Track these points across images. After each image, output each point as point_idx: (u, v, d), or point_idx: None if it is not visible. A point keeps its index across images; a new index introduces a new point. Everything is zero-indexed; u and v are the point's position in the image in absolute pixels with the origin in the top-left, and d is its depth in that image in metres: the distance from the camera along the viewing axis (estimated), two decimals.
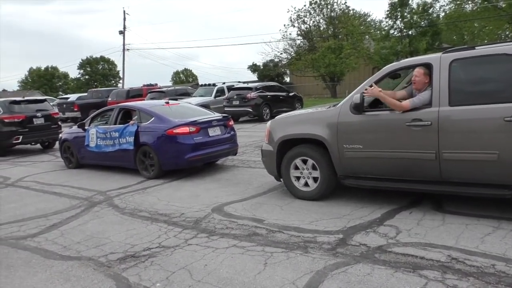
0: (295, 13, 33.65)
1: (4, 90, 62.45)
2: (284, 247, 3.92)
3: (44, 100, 12.82)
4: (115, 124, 8.20)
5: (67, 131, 9.64)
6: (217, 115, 8.27)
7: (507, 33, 30.37)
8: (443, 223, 4.15)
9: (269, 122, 6.05)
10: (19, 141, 11.52)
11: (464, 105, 4.18)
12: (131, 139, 7.61)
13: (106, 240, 4.44)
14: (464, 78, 4.34)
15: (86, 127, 8.67)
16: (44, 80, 68.53)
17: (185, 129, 7.28)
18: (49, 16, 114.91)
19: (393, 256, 3.51)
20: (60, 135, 9.57)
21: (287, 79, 43.13)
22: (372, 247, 3.73)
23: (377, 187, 4.92)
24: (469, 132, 4.13)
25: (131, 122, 7.89)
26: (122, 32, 39.78)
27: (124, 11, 40.23)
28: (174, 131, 7.24)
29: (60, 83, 71.84)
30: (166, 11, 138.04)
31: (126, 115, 8.42)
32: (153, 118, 7.65)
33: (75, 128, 9.13)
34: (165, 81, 77.60)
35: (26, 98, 12.74)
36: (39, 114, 11.96)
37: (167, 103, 8.42)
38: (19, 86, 69.55)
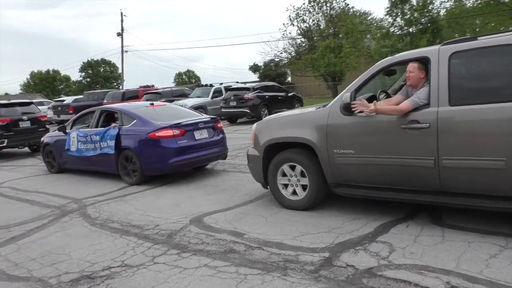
0: (294, 11, 33.11)
1: (6, 94, 62.33)
2: (261, 268, 3.44)
3: (31, 103, 12.41)
4: (96, 127, 7.75)
5: (49, 134, 9.22)
6: (204, 117, 7.80)
7: (511, 29, 29.64)
8: (442, 240, 3.65)
9: (255, 124, 5.57)
10: (4, 144, 11.14)
11: (466, 105, 3.68)
12: (112, 142, 7.16)
13: (65, 257, 3.98)
14: (466, 73, 3.85)
15: (67, 131, 8.23)
16: (45, 83, 68.33)
17: (169, 132, 6.82)
18: (51, 20, 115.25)
19: (383, 281, 3.01)
20: (42, 138, 9.13)
21: (289, 79, 42.63)
22: (360, 270, 3.23)
23: (370, 197, 4.41)
24: (472, 135, 3.63)
25: (113, 125, 7.43)
26: (120, 34, 39.32)
27: (121, 13, 39.56)
28: (157, 134, 6.77)
29: (61, 86, 71.62)
30: (169, 13, 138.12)
31: (109, 117, 7.96)
32: (135, 121, 7.19)
33: (57, 131, 8.69)
34: (168, 83, 77.38)
35: (11, 101, 12.34)
36: (25, 117, 11.56)
37: (152, 104, 7.96)
38: (21, 89, 69.42)
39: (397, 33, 27.52)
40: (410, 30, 26.88)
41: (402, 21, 26.94)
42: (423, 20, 26.42)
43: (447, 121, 3.74)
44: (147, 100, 17.90)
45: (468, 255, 3.31)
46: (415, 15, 26.36)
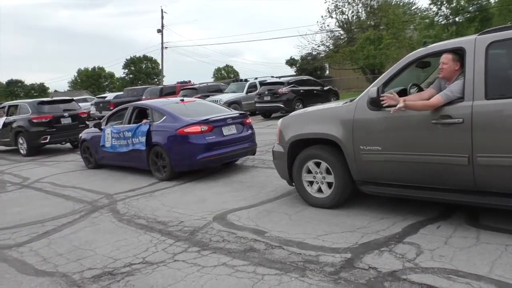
0: (333, 3, 32.39)
1: (55, 91, 65.60)
2: (279, 268, 3.34)
3: (72, 100, 12.91)
4: (129, 123, 7.91)
5: (86, 131, 9.53)
6: (233, 113, 7.76)
7: None
8: (476, 243, 3.39)
9: (280, 120, 5.47)
10: (47, 141, 11.64)
11: (504, 98, 3.38)
12: (143, 139, 7.28)
13: (90, 253, 4.06)
14: (505, 64, 3.54)
15: (102, 127, 8.47)
16: (91, 80, 71.29)
17: (197, 128, 6.83)
18: (97, 19, 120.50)
19: (407, 286, 2.83)
20: (80, 134, 9.46)
21: (328, 73, 41.90)
22: (383, 272, 3.06)
23: (399, 196, 4.19)
24: (510, 131, 3.33)
25: (144, 121, 7.56)
26: (160, 31, 40.21)
27: (162, 10, 40.50)
28: (185, 130, 6.81)
29: (106, 83, 74.45)
30: (208, 9, 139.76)
31: (141, 113, 8.10)
32: (165, 117, 7.27)
33: (93, 128, 8.96)
34: (207, 78, 78.38)
35: (54, 98, 12.89)
36: (66, 114, 12.03)
37: (182, 100, 8.02)
38: (69, 86, 72.87)
39: (442, 22, 26.23)
40: (456, 19, 25.52)
41: (448, 10, 25.62)
42: (471, 8, 24.97)
43: (482, 115, 3.46)
44: (183, 95, 18.17)
45: (504, 259, 3.05)
46: (462, 3, 24.97)
